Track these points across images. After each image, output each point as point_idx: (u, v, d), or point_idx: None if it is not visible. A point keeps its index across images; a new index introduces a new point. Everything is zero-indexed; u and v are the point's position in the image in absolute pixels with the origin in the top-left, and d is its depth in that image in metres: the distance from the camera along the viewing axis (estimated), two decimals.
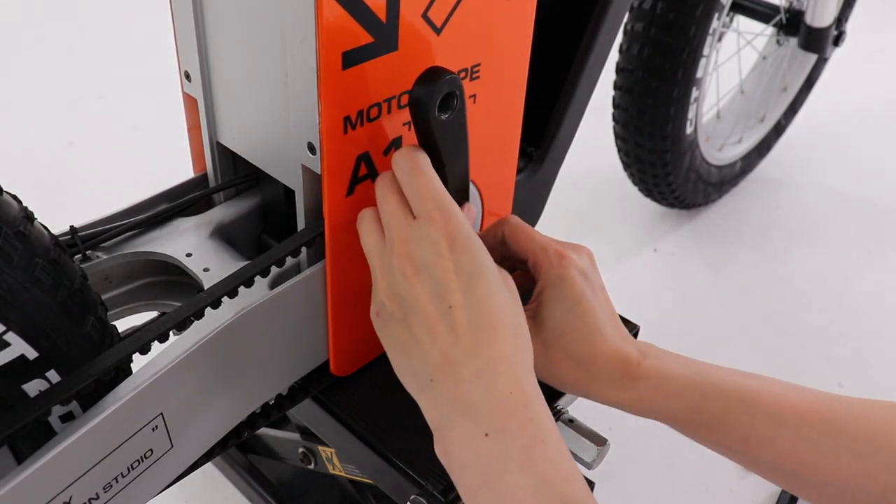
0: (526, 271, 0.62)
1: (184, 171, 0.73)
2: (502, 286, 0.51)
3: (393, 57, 0.56)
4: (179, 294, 0.70)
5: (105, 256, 0.65)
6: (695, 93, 1.23)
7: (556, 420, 0.68)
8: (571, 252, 0.59)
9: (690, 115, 1.25)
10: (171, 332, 0.55)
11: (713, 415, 0.56)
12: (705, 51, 1.18)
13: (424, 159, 0.54)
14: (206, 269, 0.65)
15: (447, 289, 0.50)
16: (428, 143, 0.55)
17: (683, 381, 0.57)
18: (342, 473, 0.82)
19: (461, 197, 0.60)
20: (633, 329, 0.79)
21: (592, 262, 0.60)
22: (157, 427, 0.55)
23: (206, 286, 0.61)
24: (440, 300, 0.50)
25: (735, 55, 1.42)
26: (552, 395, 0.69)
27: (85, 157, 1.60)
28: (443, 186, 0.54)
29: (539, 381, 0.51)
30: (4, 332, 0.48)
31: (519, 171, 0.85)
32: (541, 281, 0.59)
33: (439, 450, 0.49)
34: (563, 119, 0.86)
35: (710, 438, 0.57)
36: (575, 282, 0.58)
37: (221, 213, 0.71)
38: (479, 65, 0.63)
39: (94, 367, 0.51)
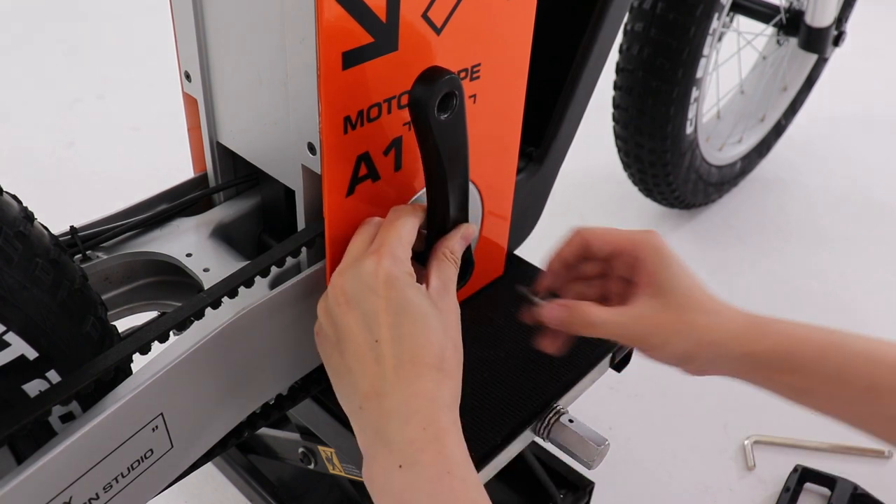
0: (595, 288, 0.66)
1: (184, 171, 0.73)
2: (432, 321, 0.53)
3: (393, 57, 0.56)
4: (179, 294, 0.70)
5: (105, 256, 0.65)
6: (695, 93, 1.23)
7: (556, 420, 0.68)
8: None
9: (690, 114, 1.25)
10: (171, 332, 0.55)
11: (838, 361, 0.58)
12: (705, 51, 1.18)
13: (410, 216, 0.58)
14: (206, 269, 0.65)
15: (375, 322, 0.52)
16: (427, 143, 0.55)
17: (808, 331, 0.59)
18: (342, 473, 0.82)
19: (461, 199, 0.60)
20: None
21: None
22: (157, 427, 0.55)
23: (206, 286, 0.61)
24: (369, 332, 0.53)
25: (735, 55, 1.42)
26: (556, 394, 0.69)
27: (85, 157, 1.60)
28: (406, 234, 0.56)
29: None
30: (4, 332, 0.48)
31: (519, 171, 0.85)
32: (640, 258, 0.62)
33: (364, 474, 0.52)
34: (563, 119, 0.86)
35: (830, 390, 0.58)
36: (668, 249, 0.62)
37: (221, 213, 0.71)
38: (479, 65, 0.63)
39: (94, 367, 0.51)
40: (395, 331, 0.52)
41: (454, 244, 0.60)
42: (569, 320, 0.61)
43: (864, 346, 0.58)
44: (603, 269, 0.65)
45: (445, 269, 0.58)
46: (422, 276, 0.57)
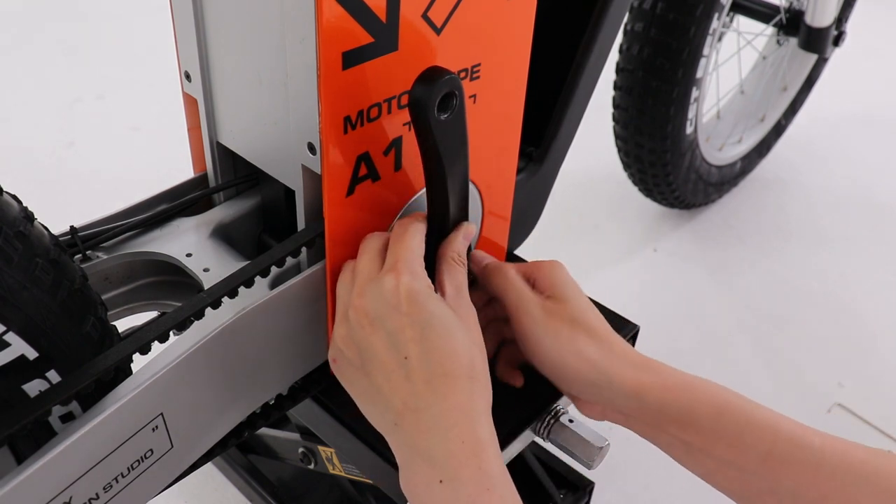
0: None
1: (184, 171, 0.73)
2: (457, 331, 0.53)
3: (393, 57, 0.56)
4: (179, 294, 0.70)
5: (105, 256, 0.65)
6: (695, 93, 1.23)
7: (556, 420, 0.68)
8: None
9: (690, 115, 1.25)
10: (171, 332, 0.55)
11: (737, 423, 0.55)
12: (705, 51, 1.18)
13: (417, 228, 0.58)
14: (206, 269, 0.65)
15: (401, 340, 0.52)
16: (427, 143, 0.55)
17: (706, 385, 0.57)
18: (342, 473, 0.82)
19: (461, 199, 0.60)
20: (632, 329, 0.79)
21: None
22: (157, 427, 0.55)
23: (206, 286, 0.61)
24: (396, 351, 0.52)
25: (735, 55, 1.42)
26: (556, 394, 0.69)
27: (85, 157, 1.60)
28: (418, 247, 0.56)
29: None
30: (4, 332, 0.48)
31: (519, 171, 0.85)
32: (538, 274, 0.64)
33: (403, 487, 0.52)
34: (563, 119, 0.86)
35: (726, 455, 0.56)
36: (567, 273, 0.64)
37: (221, 213, 0.71)
38: (479, 65, 0.63)
39: (94, 367, 0.51)
40: (423, 345, 0.52)
41: (459, 246, 0.60)
42: (489, 263, 0.65)
43: (761, 413, 0.56)
44: None
45: (456, 274, 0.58)
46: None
